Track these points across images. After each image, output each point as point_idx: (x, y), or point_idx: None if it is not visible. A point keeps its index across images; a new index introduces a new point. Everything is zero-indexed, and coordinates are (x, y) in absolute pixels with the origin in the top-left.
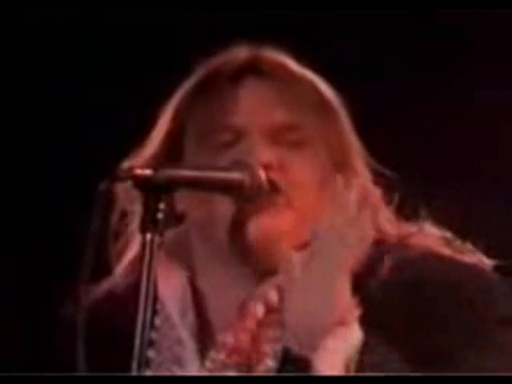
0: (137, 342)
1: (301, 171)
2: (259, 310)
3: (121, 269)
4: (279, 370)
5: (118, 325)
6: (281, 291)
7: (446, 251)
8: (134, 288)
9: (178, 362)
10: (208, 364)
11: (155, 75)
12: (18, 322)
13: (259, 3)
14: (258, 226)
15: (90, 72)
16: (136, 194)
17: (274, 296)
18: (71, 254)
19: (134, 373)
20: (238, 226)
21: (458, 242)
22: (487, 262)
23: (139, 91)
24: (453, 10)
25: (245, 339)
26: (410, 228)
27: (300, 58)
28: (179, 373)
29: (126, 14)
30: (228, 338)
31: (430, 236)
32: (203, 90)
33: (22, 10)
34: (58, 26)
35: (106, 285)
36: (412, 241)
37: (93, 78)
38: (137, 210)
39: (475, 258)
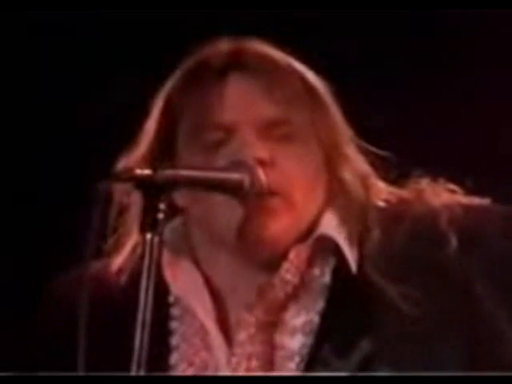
0: (136, 342)
1: (293, 165)
2: (271, 305)
3: (118, 262)
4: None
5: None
6: (284, 285)
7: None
8: (132, 282)
9: (207, 347)
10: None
11: (155, 75)
12: (18, 322)
13: (259, 3)
14: (257, 226)
15: (89, 72)
16: (131, 186)
17: (280, 292)
18: (71, 253)
19: (134, 367)
20: (238, 225)
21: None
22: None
23: (139, 91)
24: (453, 10)
25: (258, 334)
26: (417, 187)
27: (300, 57)
28: (208, 359)
29: (126, 14)
30: (241, 335)
31: (442, 192)
32: (192, 82)
33: (22, 9)
34: (58, 26)
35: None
36: (430, 199)
37: (93, 77)
38: (134, 201)
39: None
